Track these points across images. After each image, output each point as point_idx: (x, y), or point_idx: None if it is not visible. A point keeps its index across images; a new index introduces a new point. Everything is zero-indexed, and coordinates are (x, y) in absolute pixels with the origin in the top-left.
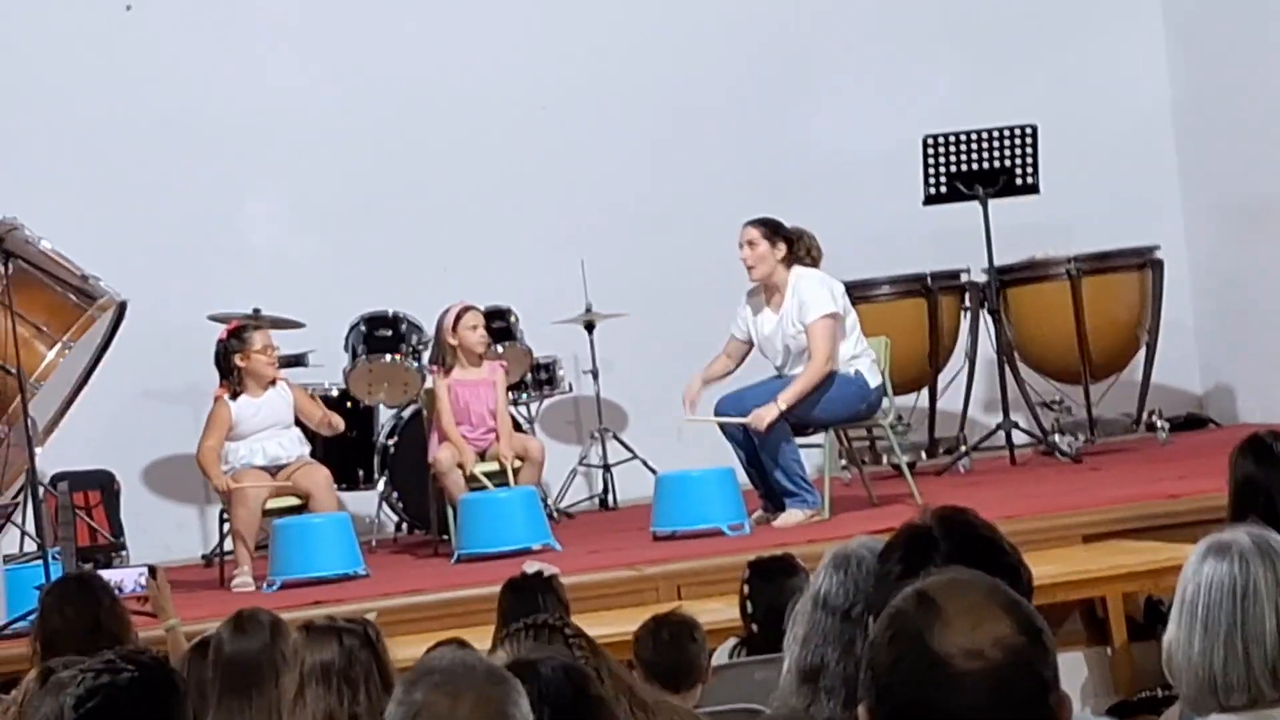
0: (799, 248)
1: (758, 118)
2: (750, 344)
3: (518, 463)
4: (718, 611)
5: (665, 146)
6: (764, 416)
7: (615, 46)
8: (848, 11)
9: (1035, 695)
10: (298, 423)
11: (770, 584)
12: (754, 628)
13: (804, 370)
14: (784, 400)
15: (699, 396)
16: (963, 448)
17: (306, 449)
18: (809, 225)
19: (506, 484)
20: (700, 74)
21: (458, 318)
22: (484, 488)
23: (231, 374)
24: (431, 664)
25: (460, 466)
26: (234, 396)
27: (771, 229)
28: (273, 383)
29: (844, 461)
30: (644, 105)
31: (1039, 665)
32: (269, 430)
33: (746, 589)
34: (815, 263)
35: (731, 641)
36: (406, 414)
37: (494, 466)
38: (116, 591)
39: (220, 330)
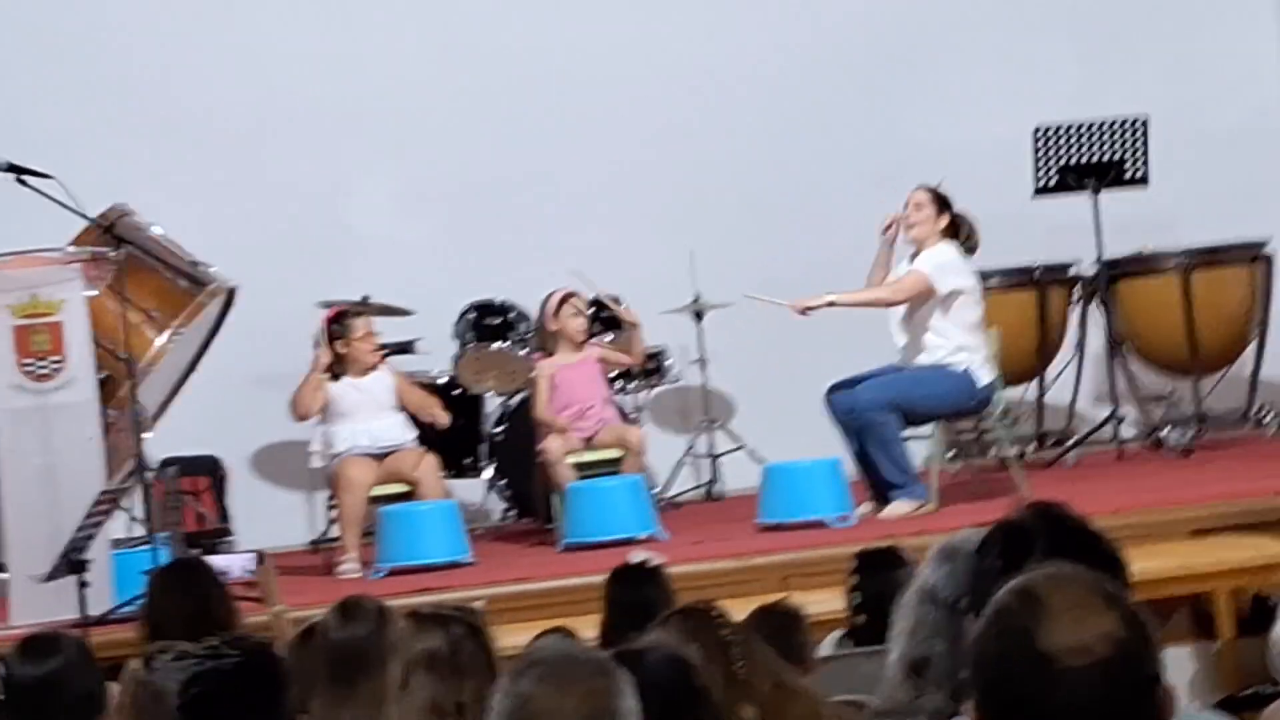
0: (964, 227)
1: (869, 107)
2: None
3: (617, 452)
4: (824, 603)
5: (776, 135)
6: (807, 302)
7: (728, 34)
8: (962, 2)
9: (1141, 690)
10: (403, 409)
11: (877, 576)
12: (860, 619)
13: (868, 288)
14: (833, 296)
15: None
16: (1070, 441)
17: (412, 434)
18: None
19: (614, 471)
20: (812, 62)
21: (560, 304)
22: (587, 472)
23: (335, 357)
24: (537, 655)
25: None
26: (334, 378)
27: (941, 200)
28: (373, 368)
29: (951, 453)
30: (756, 94)
31: (1144, 660)
32: (369, 412)
33: (853, 580)
34: (972, 250)
35: (838, 633)
36: (514, 402)
37: (599, 455)
38: (223, 577)
39: (323, 315)
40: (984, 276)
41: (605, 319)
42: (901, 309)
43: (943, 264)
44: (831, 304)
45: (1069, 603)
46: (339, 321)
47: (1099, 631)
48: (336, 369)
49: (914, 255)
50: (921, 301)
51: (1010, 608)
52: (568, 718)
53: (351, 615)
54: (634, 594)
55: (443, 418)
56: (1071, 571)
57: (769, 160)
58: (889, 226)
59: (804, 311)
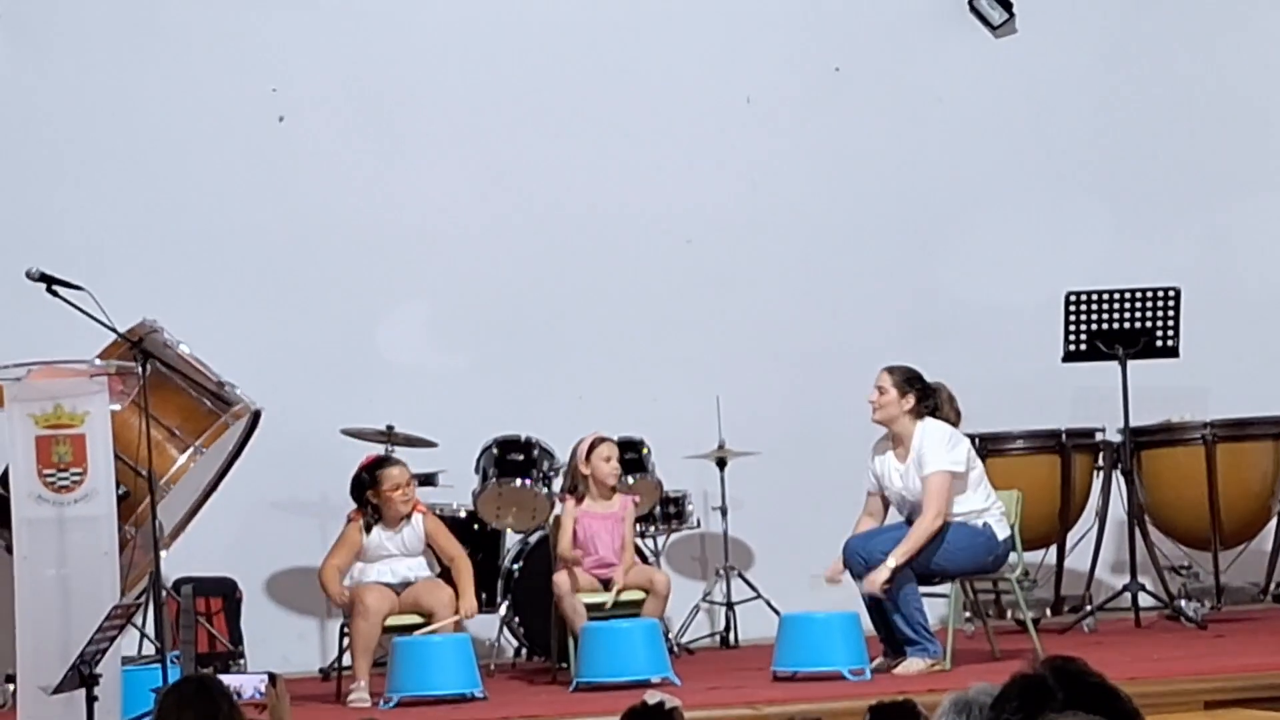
0: (932, 401)
1: (903, 262)
2: (884, 497)
3: (640, 594)
4: None
5: (808, 286)
6: (876, 580)
7: (764, 184)
8: (1001, 162)
9: None
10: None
11: None
12: None
13: (914, 528)
14: (894, 558)
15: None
16: (1088, 607)
17: (431, 573)
18: (947, 372)
19: (633, 612)
20: (847, 215)
21: (591, 448)
22: (604, 608)
23: (365, 506)
24: None
25: (577, 590)
26: (368, 528)
27: (904, 379)
28: (409, 515)
29: (968, 614)
30: (789, 244)
31: None
32: (397, 558)
33: None
34: (953, 420)
35: None
36: (533, 539)
37: (615, 596)
38: (235, 697)
39: (360, 458)
40: (1009, 439)
41: (627, 461)
42: (906, 496)
43: (941, 449)
44: (894, 568)
45: None
46: (371, 471)
47: None
48: (370, 519)
49: (887, 441)
50: None
51: None
52: None
53: None
54: None
55: (474, 612)
56: None
57: (801, 310)
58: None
59: (882, 589)
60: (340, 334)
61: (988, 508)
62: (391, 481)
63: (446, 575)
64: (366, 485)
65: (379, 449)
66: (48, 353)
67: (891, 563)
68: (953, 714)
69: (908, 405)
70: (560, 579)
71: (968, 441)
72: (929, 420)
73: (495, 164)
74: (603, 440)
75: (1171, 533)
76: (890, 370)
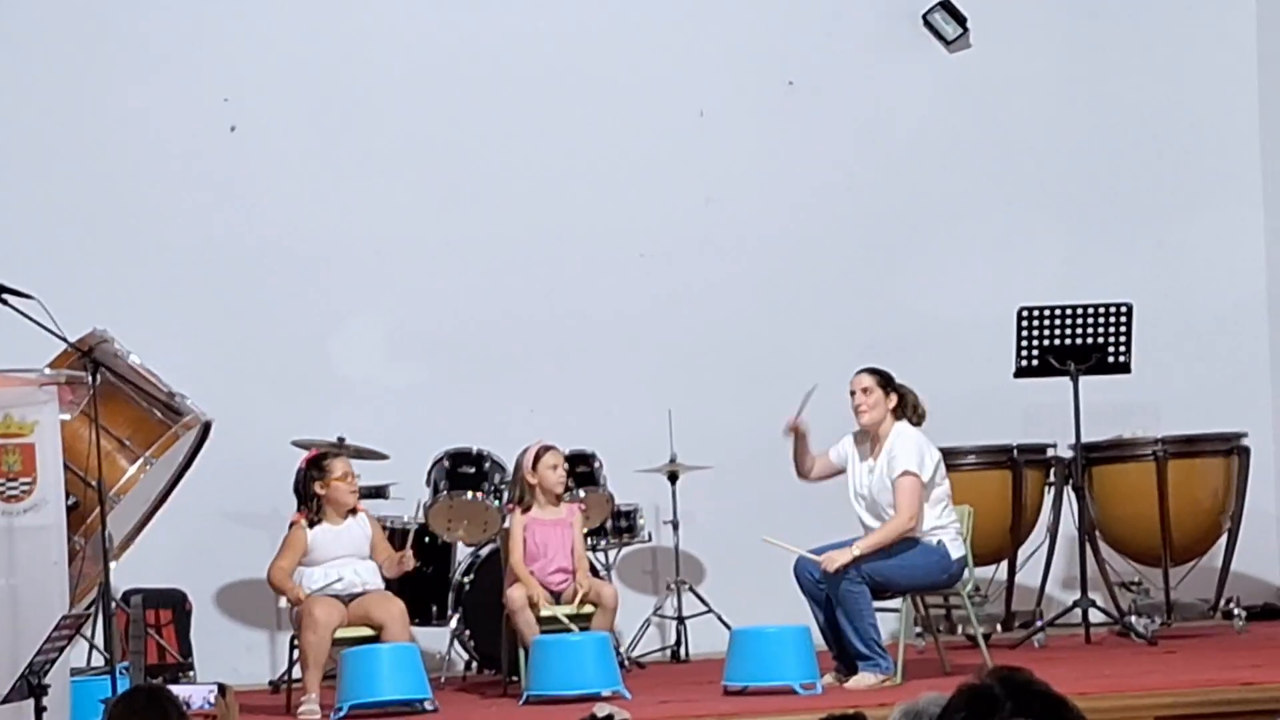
0: (906, 404)
1: (856, 276)
2: (839, 470)
3: (589, 608)
4: None
5: (761, 301)
6: (836, 559)
7: (717, 198)
8: (954, 177)
9: None
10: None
11: None
12: None
13: (886, 523)
14: (860, 547)
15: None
16: (1039, 622)
17: (380, 580)
18: None
19: (585, 625)
20: (800, 230)
21: (537, 456)
22: (558, 625)
23: (310, 501)
24: None
25: (532, 605)
26: (311, 525)
27: (885, 379)
28: (353, 512)
29: (919, 629)
30: (742, 258)
31: None
32: (345, 559)
33: None
34: (919, 422)
35: None
36: (484, 552)
37: (569, 609)
38: (185, 707)
39: (301, 457)
40: (961, 454)
41: (579, 474)
42: (871, 494)
43: (913, 453)
44: (858, 557)
45: None
46: (317, 464)
47: None
48: (314, 516)
49: (865, 438)
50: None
51: None
52: None
53: None
54: None
55: (411, 562)
56: None
57: (754, 325)
58: (792, 428)
59: (835, 571)
60: (292, 346)
61: (944, 525)
62: (339, 470)
63: (393, 587)
64: (313, 479)
65: None
66: None
67: (856, 551)
68: None
69: (891, 404)
70: (512, 593)
71: (939, 456)
72: (904, 424)
73: (449, 178)
74: (548, 449)
75: (1122, 549)
76: (871, 371)
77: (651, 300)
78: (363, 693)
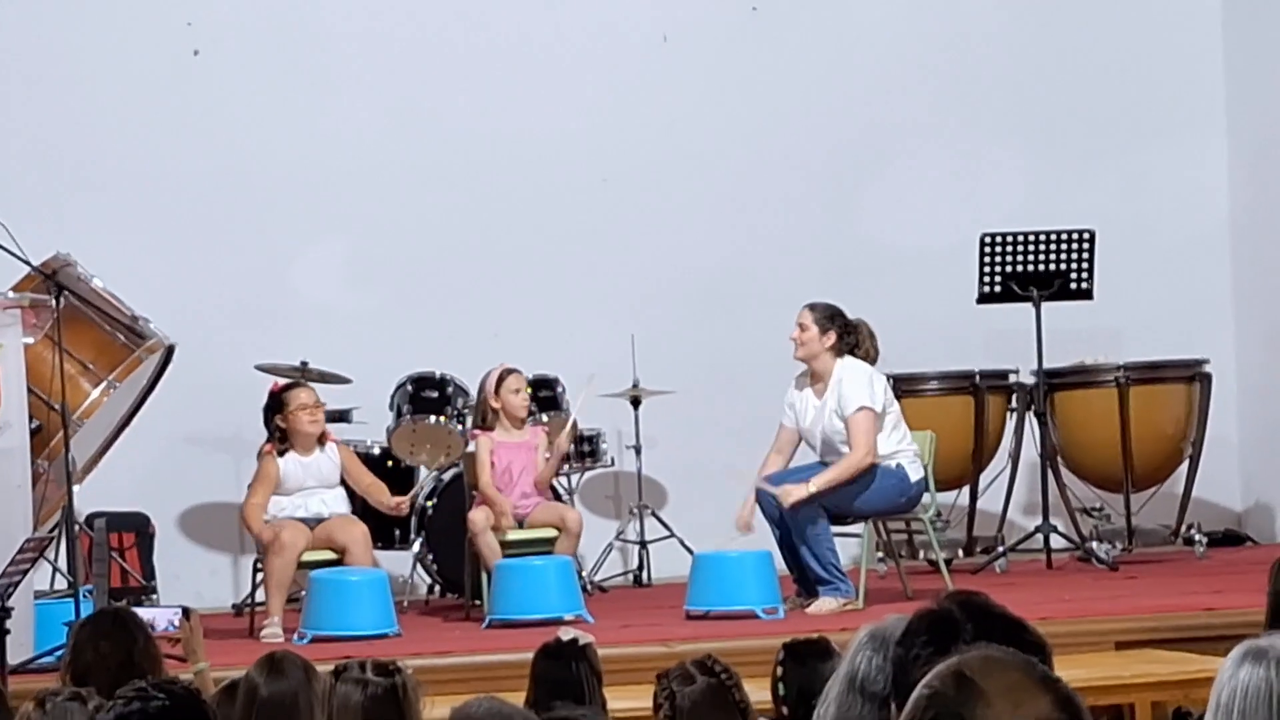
0: (852, 338)
1: (819, 203)
2: (799, 433)
3: (553, 532)
4: (748, 693)
5: (724, 226)
6: (792, 493)
7: (680, 124)
8: (917, 103)
9: None
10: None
11: (804, 666)
12: (784, 710)
13: (843, 459)
14: (816, 484)
15: (751, 514)
16: (1000, 548)
17: (347, 507)
18: (863, 313)
19: (546, 551)
20: (764, 156)
21: (500, 380)
22: (520, 549)
23: (276, 432)
24: (468, 711)
25: (495, 528)
26: (281, 454)
27: (826, 316)
28: (322, 443)
29: (880, 554)
30: (705, 183)
31: None
32: (314, 489)
33: (779, 670)
34: (870, 357)
35: None
36: (447, 476)
37: (530, 534)
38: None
39: (270, 386)
40: (923, 380)
41: (543, 399)
42: (824, 432)
43: (862, 387)
44: (814, 492)
45: (1003, 686)
46: (279, 394)
47: (1035, 715)
48: (282, 446)
49: (807, 379)
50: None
51: (944, 693)
52: None
53: (280, 669)
54: (562, 671)
55: (390, 501)
56: (1003, 655)
57: (716, 250)
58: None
59: (792, 506)
60: (255, 270)
61: (901, 449)
62: (298, 402)
63: (363, 512)
64: (276, 410)
65: None
66: None
67: (813, 487)
68: (869, 647)
69: (829, 342)
70: (474, 516)
71: (886, 381)
72: (848, 359)
73: (411, 101)
74: (511, 372)
75: (1084, 475)
76: (812, 307)
77: (614, 225)
78: (329, 624)
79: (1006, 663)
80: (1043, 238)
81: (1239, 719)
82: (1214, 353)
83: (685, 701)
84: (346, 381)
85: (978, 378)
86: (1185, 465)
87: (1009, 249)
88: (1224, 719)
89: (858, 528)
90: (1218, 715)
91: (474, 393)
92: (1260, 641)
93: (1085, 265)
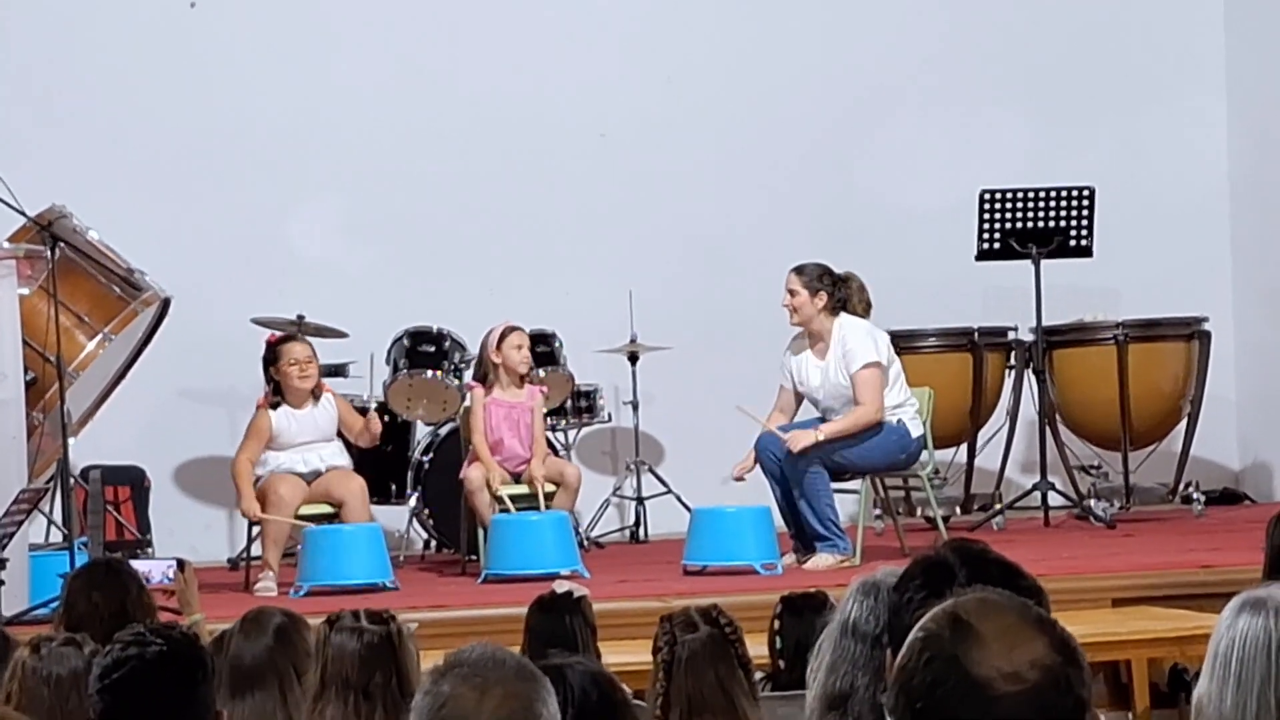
0: (843, 292)
1: (818, 160)
2: (799, 393)
3: (551, 487)
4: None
5: (722, 183)
6: (800, 439)
7: (679, 80)
8: (917, 61)
9: (1073, 715)
10: (339, 435)
11: (801, 619)
12: (781, 664)
13: (852, 411)
14: (824, 431)
15: (751, 467)
16: (997, 505)
17: (346, 460)
18: (862, 270)
19: (534, 508)
20: (763, 112)
21: (502, 336)
22: (507, 510)
23: (270, 384)
24: (461, 656)
25: (488, 485)
26: (274, 407)
27: (814, 278)
28: (316, 396)
29: (878, 511)
30: (704, 141)
31: (1076, 685)
32: (311, 444)
33: (777, 624)
34: (863, 311)
35: (757, 677)
36: (443, 431)
37: (524, 489)
38: (144, 581)
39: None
40: (922, 336)
41: (540, 354)
42: (826, 394)
43: (866, 343)
44: (821, 440)
45: (998, 628)
46: (274, 347)
47: (1030, 657)
48: (275, 399)
49: (804, 341)
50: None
51: (939, 634)
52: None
53: (247, 630)
54: (556, 624)
55: (378, 427)
56: (998, 597)
57: (714, 206)
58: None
59: (798, 451)
60: (252, 224)
61: (902, 404)
62: (289, 356)
63: (359, 466)
64: (269, 362)
65: None
66: None
67: (821, 435)
68: (860, 596)
69: (821, 303)
70: (471, 472)
71: (887, 337)
72: (844, 316)
73: (410, 56)
74: (514, 329)
75: (1082, 432)
76: (798, 271)
77: (612, 181)
78: (324, 575)
79: (1002, 605)
80: (1042, 194)
81: (1237, 668)
82: (1212, 312)
83: (684, 650)
84: (343, 335)
85: (976, 335)
86: (1183, 423)
87: (1008, 205)
88: (1222, 669)
89: (855, 484)
90: (1215, 665)
91: (470, 347)
92: (1259, 592)
93: (1085, 222)
